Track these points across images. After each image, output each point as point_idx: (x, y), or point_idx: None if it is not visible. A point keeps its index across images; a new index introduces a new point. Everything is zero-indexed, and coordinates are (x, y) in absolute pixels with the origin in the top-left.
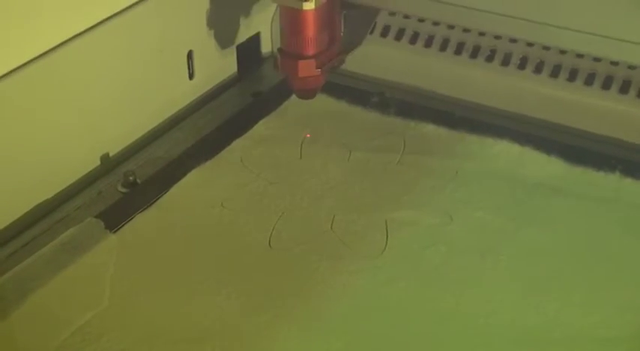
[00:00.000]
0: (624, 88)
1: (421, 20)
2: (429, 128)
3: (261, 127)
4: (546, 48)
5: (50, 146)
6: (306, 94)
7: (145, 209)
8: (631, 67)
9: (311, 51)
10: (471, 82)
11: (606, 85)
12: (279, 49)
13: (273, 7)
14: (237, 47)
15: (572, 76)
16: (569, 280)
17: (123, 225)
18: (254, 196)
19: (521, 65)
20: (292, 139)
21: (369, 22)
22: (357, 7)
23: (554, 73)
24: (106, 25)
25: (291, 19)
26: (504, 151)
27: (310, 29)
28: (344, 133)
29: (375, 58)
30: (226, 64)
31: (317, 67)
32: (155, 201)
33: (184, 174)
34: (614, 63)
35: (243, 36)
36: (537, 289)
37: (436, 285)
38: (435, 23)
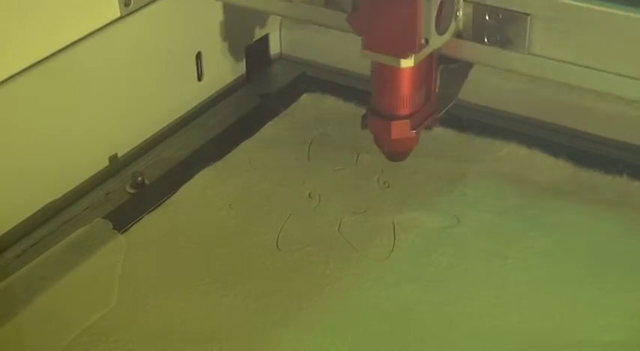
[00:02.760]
0: None
1: None
2: (437, 131)
3: (269, 129)
4: None
5: (59, 147)
6: (398, 156)
7: (153, 210)
8: None
9: (406, 111)
10: (479, 85)
11: None
12: (370, 108)
13: None
14: (246, 49)
15: None
16: (576, 283)
17: (131, 226)
18: (262, 197)
19: None
20: (300, 140)
21: (464, 76)
22: (454, 62)
23: None
24: (115, 27)
25: (385, 77)
26: (512, 153)
27: (406, 88)
28: (352, 135)
29: None
30: (235, 66)
31: (411, 129)
32: (163, 202)
33: (192, 175)
34: None
35: (252, 38)
36: (544, 292)
37: (443, 287)
38: None
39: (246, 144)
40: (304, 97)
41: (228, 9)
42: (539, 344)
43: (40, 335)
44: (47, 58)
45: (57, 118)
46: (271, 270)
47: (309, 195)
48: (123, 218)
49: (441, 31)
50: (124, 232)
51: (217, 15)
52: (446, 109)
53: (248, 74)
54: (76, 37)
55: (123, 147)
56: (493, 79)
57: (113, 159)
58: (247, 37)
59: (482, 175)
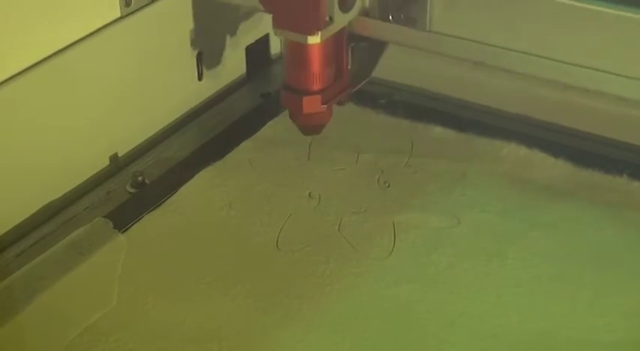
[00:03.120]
0: None
1: None
2: (437, 130)
3: (269, 129)
4: None
5: (59, 146)
6: (311, 130)
7: (153, 209)
8: None
9: (316, 86)
10: (479, 84)
11: None
12: (283, 84)
13: None
14: (246, 48)
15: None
16: (576, 283)
17: (131, 225)
18: (262, 197)
19: None
20: (300, 140)
21: (377, 55)
22: (365, 40)
23: None
24: (115, 27)
25: (295, 54)
26: (512, 153)
27: (316, 64)
28: (352, 135)
29: (383, 61)
30: (235, 66)
31: (322, 103)
32: (163, 201)
33: (193, 175)
34: None
35: (252, 37)
36: (544, 292)
37: (443, 287)
38: None
39: (246, 144)
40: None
41: (228, 9)
42: (539, 344)
43: (40, 335)
44: (47, 58)
45: (57, 118)
46: (271, 270)
47: (309, 195)
48: (123, 218)
49: (345, 9)
50: (124, 231)
51: (217, 15)
52: (359, 86)
53: (248, 74)
54: (76, 37)
55: (123, 146)
56: (493, 79)
57: (114, 158)
58: (247, 36)
59: (482, 175)
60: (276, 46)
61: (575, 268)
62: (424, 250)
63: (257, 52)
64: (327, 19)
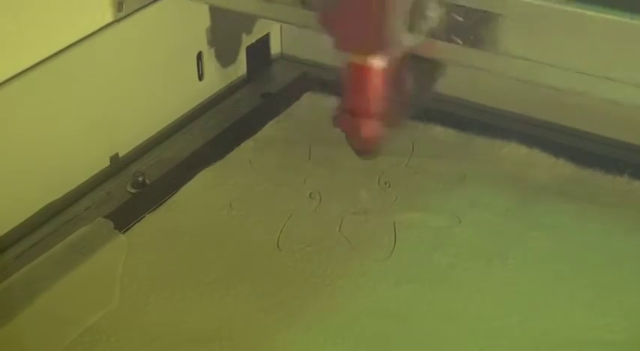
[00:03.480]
0: None
1: None
2: (438, 130)
3: (270, 129)
4: None
5: (60, 146)
6: (369, 153)
7: (154, 210)
8: None
9: (377, 110)
10: (479, 84)
11: None
12: (340, 106)
13: None
14: (247, 48)
15: None
16: (576, 283)
17: (132, 225)
18: (262, 197)
19: None
20: (301, 140)
21: (436, 76)
22: (426, 62)
23: None
24: (116, 27)
25: (357, 76)
26: (512, 153)
27: (378, 87)
28: None
29: None
30: (236, 66)
31: (382, 127)
32: (164, 201)
33: (193, 175)
34: None
35: (252, 37)
36: (544, 292)
37: (444, 287)
38: None
39: (247, 144)
40: (305, 96)
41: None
42: (539, 344)
43: (40, 335)
44: (47, 59)
45: (58, 119)
46: (272, 270)
47: (310, 195)
48: (124, 218)
49: (412, 31)
50: (125, 231)
51: (218, 15)
52: (418, 107)
53: (249, 74)
54: (77, 38)
55: (124, 147)
56: (493, 79)
57: (114, 159)
58: (248, 36)
59: (482, 175)
60: (276, 46)
61: (576, 267)
62: (425, 250)
63: (257, 52)
64: (394, 41)
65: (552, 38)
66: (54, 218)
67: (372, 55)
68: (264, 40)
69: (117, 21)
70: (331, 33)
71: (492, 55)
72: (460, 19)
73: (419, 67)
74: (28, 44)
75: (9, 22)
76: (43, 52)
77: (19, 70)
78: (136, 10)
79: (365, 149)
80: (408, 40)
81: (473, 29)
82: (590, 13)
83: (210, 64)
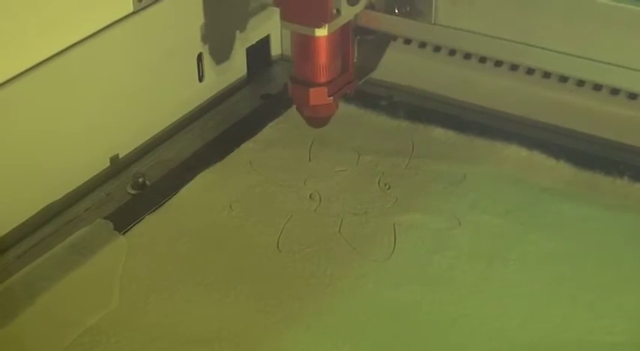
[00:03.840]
0: (633, 94)
1: None
2: (438, 132)
3: (270, 130)
4: None
5: (60, 147)
6: (318, 122)
7: (154, 211)
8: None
9: (323, 78)
10: (479, 86)
11: (615, 90)
12: (291, 77)
13: None
14: (247, 49)
15: (581, 81)
16: (577, 285)
17: (132, 226)
18: (262, 198)
19: (530, 70)
20: (301, 141)
21: (383, 48)
22: (371, 33)
23: (563, 78)
24: (116, 28)
25: (303, 46)
26: (512, 155)
27: (322, 56)
28: (353, 137)
29: (384, 62)
30: (236, 67)
31: (329, 95)
32: (164, 203)
33: (193, 176)
34: None
35: (252, 38)
36: (544, 293)
37: (444, 289)
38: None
39: (246, 145)
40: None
41: (228, 10)
42: (539, 346)
43: (41, 336)
44: (47, 59)
45: (58, 119)
46: (272, 271)
47: (310, 196)
48: (124, 219)
49: (352, 2)
50: (125, 232)
51: (218, 16)
52: (364, 78)
53: (249, 75)
54: (76, 39)
55: (124, 148)
56: (494, 80)
57: (114, 160)
58: (248, 37)
59: (483, 177)
60: (276, 48)
61: (576, 269)
62: (425, 252)
63: (258, 54)
64: (335, 11)
65: (484, 8)
66: (54, 219)
67: (315, 25)
68: (264, 42)
69: (119, 21)
70: (277, 4)
71: (428, 26)
72: None
73: (364, 39)
74: (31, 44)
75: (8, 22)
76: (43, 52)
77: (20, 70)
78: (138, 10)
79: (314, 117)
80: (349, 11)
81: (409, 1)
82: None
83: (211, 65)
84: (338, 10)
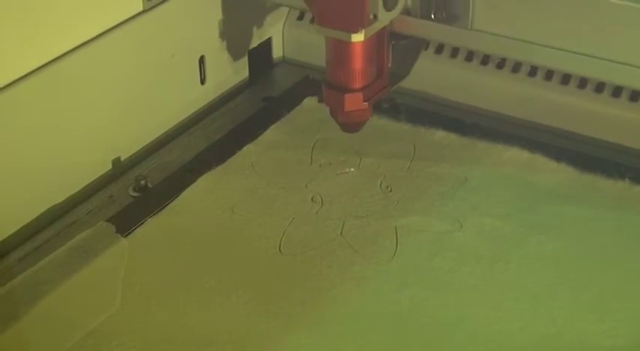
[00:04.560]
0: (634, 96)
1: None
2: (440, 134)
3: (272, 133)
4: None
5: (62, 150)
6: (352, 127)
7: (156, 213)
8: None
9: (358, 84)
10: (481, 88)
11: (616, 92)
12: (324, 81)
13: (285, 12)
14: (249, 52)
15: (583, 83)
16: (578, 288)
17: (134, 229)
18: (264, 201)
19: (532, 72)
20: (303, 144)
21: (417, 52)
22: (405, 38)
23: (565, 80)
24: (118, 31)
25: (338, 51)
26: (514, 157)
27: (358, 62)
28: (354, 140)
29: None
30: (238, 69)
31: (364, 101)
32: (166, 205)
33: (195, 179)
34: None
35: (254, 41)
36: (546, 296)
37: (445, 291)
38: None
39: (248, 148)
40: (307, 100)
41: (231, 13)
42: (541, 348)
43: (42, 339)
44: (50, 62)
45: (60, 122)
46: (274, 274)
47: (312, 199)
48: (126, 221)
49: (389, 7)
50: (127, 235)
51: (220, 19)
52: (398, 83)
53: (251, 78)
54: (79, 42)
55: (126, 150)
56: (495, 83)
57: (116, 162)
58: (250, 40)
59: (484, 179)
60: (278, 51)
61: (577, 272)
62: (426, 254)
63: (260, 56)
64: (372, 17)
65: (522, 13)
66: (56, 222)
67: (352, 31)
68: (266, 44)
69: (121, 24)
70: (312, 9)
71: (463, 31)
72: None
73: (398, 44)
74: (33, 46)
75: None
76: (45, 55)
77: (23, 73)
78: (140, 13)
79: (348, 122)
80: (386, 17)
81: (445, 6)
82: None
83: (213, 68)
84: (375, 16)
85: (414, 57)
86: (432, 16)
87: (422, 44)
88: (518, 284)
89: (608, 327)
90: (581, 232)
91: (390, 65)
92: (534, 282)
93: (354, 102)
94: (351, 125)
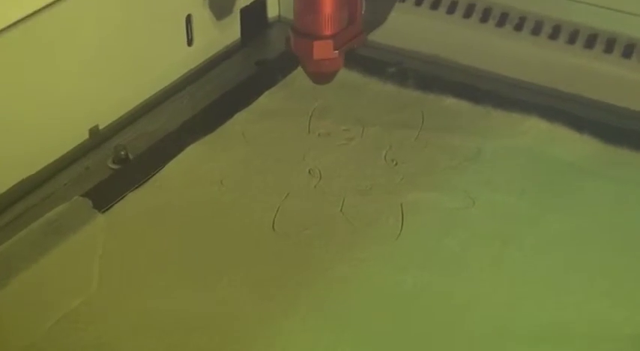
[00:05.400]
0: None
1: None
2: (451, 102)
3: (265, 99)
4: None
5: (35, 118)
6: (322, 78)
7: (137, 187)
8: None
9: (328, 31)
10: (497, 52)
11: None
12: (293, 28)
13: None
14: (241, 11)
15: (609, 46)
16: (597, 271)
17: (113, 204)
18: (257, 174)
19: (554, 34)
20: (300, 111)
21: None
22: None
23: (589, 43)
24: None
25: None
26: (532, 128)
27: (328, 6)
28: (357, 107)
29: (392, 25)
30: (228, 30)
31: (334, 49)
32: (148, 179)
33: (181, 149)
34: None
35: None
36: (561, 280)
37: (454, 274)
38: None
39: (240, 115)
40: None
41: None
42: (554, 336)
43: (14, 322)
44: (21, 20)
45: (32, 87)
46: (268, 254)
47: (309, 172)
48: (104, 196)
49: None
50: (105, 211)
51: None
52: (373, 31)
53: (243, 39)
54: None
55: (104, 118)
56: (512, 46)
57: (94, 131)
58: None
59: (499, 152)
60: (273, 9)
61: (598, 254)
62: (435, 234)
63: (253, 15)
64: None
65: None
66: (28, 195)
67: None
68: (260, 2)
69: None
70: None
71: None
72: None
73: None
74: (4, 3)
75: None
76: (17, 12)
77: None
78: None
79: (319, 72)
80: None
81: None
82: None
83: (201, 28)
84: None
85: (390, 4)
86: None
87: None
88: (532, 267)
89: (628, 315)
90: (604, 210)
91: (363, 12)
92: (550, 264)
93: (323, 50)
94: (321, 75)
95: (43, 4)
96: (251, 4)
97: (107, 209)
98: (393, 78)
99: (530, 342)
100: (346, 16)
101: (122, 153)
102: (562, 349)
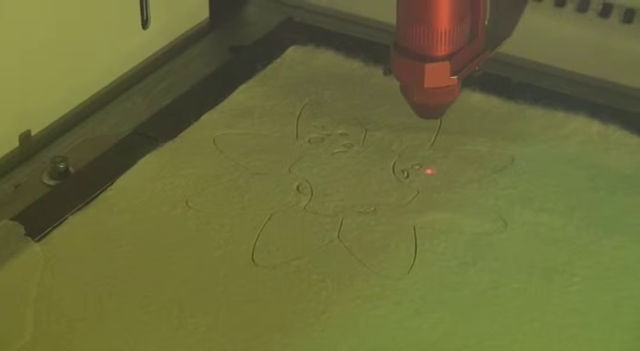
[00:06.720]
0: None
1: None
2: (475, 98)
3: (241, 95)
4: None
5: None
6: (432, 111)
7: (80, 209)
8: None
9: (444, 50)
10: (534, 34)
11: None
12: (394, 44)
13: None
14: None
15: None
16: None
17: (50, 231)
18: (231, 191)
19: (605, 12)
20: (285, 111)
21: (520, 6)
22: None
23: None
24: None
25: (415, 3)
26: (579, 131)
27: (444, 15)
28: (357, 105)
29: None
30: (194, 8)
31: (452, 74)
32: (94, 198)
33: (135, 161)
34: None
35: None
36: (625, 323)
37: (482, 317)
38: None
39: (209, 116)
40: (291, 50)
41: None
42: None
43: None
44: None
45: None
46: (244, 292)
47: (298, 188)
48: (39, 220)
49: None
50: (40, 239)
51: None
52: (497, 48)
53: (212, 20)
54: None
55: (38, 122)
56: (554, 27)
57: (25, 138)
58: None
59: (538, 161)
60: None
61: None
62: (457, 265)
63: None
64: None
65: None
66: None
67: None
68: None
69: None
70: None
71: None
72: None
73: None
74: None
75: None
76: None
77: None
78: None
79: (427, 104)
80: None
81: None
82: None
83: (160, 5)
84: None
85: (518, 12)
86: None
87: None
88: (584, 306)
89: None
90: None
91: (486, 22)
92: (605, 302)
93: (437, 75)
94: (431, 108)
95: None
96: None
97: (43, 237)
98: None
99: None
100: (468, 29)
101: (61, 165)
102: None
